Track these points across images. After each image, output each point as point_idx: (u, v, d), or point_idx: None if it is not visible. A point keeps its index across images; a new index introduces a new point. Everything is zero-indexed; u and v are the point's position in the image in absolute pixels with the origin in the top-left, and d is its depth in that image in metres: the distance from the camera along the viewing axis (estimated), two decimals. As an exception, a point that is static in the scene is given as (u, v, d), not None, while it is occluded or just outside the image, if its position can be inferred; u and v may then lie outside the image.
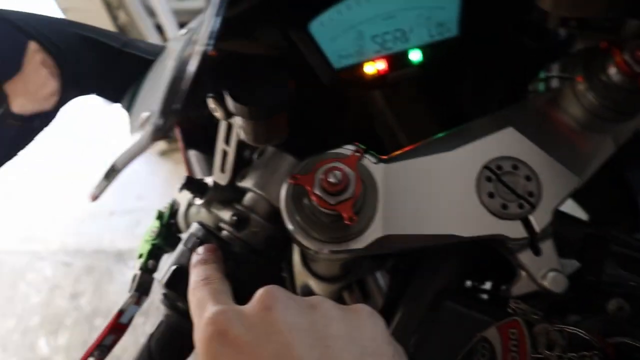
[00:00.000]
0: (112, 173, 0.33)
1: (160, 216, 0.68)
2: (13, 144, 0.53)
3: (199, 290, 0.42)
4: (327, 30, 0.64)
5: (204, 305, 0.38)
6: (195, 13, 2.66)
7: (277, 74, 0.48)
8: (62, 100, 0.49)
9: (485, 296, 0.67)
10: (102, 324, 2.18)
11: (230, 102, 0.46)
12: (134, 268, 0.68)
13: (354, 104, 0.76)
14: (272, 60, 0.53)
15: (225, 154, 0.56)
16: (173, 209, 0.68)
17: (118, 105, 0.52)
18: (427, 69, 0.70)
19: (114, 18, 2.45)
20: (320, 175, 0.44)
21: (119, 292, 2.30)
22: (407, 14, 0.67)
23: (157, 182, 2.78)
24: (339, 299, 1.04)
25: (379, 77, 0.69)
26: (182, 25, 2.58)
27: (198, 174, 0.84)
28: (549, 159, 0.51)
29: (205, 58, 0.29)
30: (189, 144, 0.88)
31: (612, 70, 0.49)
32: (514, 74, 0.73)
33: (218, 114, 0.50)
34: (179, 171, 2.74)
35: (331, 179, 0.42)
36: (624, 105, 0.51)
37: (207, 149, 0.88)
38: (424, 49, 0.69)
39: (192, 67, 0.28)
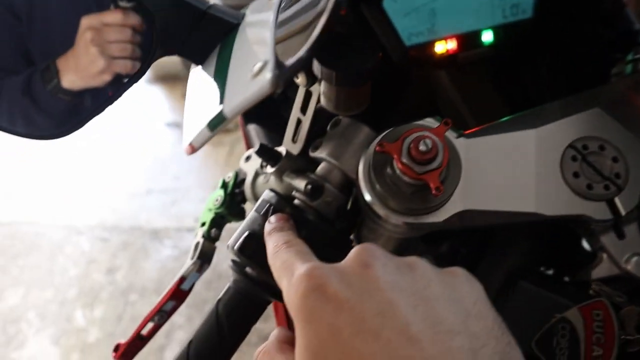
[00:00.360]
0: (218, 122, 0.33)
1: (224, 185, 0.68)
2: (64, 118, 0.55)
3: (282, 252, 0.41)
4: (400, 7, 0.63)
5: (292, 264, 0.37)
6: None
7: (367, 42, 0.47)
8: (149, 60, 0.49)
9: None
10: (136, 299, 2.22)
11: (317, 67, 0.45)
12: (195, 236, 0.69)
13: (420, 82, 0.75)
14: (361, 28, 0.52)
15: (299, 122, 0.56)
16: (237, 179, 0.68)
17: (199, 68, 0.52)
18: (498, 51, 0.69)
19: None
20: (409, 143, 0.43)
21: (154, 270, 2.34)
22: (481, -7, 0.65)
23: (194, 164, 2.81)
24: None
25: (449, 57, 0.68)
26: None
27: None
28: (637, 142, 0.49)
29: (336, 10, 0.28)
30: (247, 117, 0.88)
31: None
32: (587, 61, 0.71)
33: (299, 80, 0.50)
34: (216, 153, 2.77)
35: (422, 147, 0.42)
36: None
37: (265, 122, 0.88)
38: (497, 30, 0.67)
39: (323, 19, 0.28)
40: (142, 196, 2.73)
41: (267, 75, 0.28)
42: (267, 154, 0.56)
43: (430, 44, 0.67)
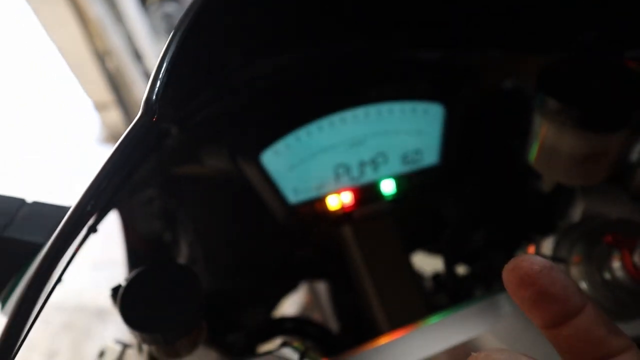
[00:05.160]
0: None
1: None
2: None
3: None
4: (283, 160, 0.54)
5: None
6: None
7: (184, 296, 0.39)
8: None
9: None
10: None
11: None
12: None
13: (317, 239, 0.66)
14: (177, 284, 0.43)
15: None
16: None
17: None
18: (401, 203, 0.61)
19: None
20: None
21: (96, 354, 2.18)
22: (378, 139, 0.57)
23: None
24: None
25: (345, 213, 0.59)
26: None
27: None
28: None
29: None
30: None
31: (616, 265, 0.39)
32: (502, 212, 0.63)
33: None
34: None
35: None
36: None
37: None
38: (398, 179, 0.59)
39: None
40: (88, 270, 2.59)
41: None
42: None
43: (321, 199, 0.58)
